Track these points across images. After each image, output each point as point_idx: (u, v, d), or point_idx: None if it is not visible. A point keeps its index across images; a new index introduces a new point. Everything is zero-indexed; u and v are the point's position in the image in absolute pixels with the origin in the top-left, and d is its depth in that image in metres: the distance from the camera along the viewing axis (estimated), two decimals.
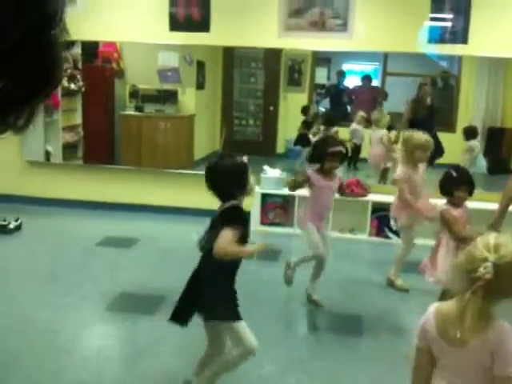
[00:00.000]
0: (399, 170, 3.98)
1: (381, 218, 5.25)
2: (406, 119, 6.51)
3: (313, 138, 6.03)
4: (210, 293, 2.42)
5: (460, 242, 2.94)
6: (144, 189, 5.88)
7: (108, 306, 3.58)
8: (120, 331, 3.31)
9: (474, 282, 1.45)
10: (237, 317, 2.37)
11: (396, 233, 5.32)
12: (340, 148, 3.58)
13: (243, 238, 2.30)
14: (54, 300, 3.62)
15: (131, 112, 6.13)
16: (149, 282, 4.03)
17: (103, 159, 6.13)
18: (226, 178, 2.37)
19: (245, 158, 2.45)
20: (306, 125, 6.83)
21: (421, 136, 3.92)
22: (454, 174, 3.19)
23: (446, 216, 3.13)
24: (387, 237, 5.25)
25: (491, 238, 1.50)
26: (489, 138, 7.07)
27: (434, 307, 1.65)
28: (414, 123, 6.07)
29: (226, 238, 2.21)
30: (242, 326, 2.35)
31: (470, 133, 6.29)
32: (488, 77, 6.88)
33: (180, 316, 2.52)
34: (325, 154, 3.51)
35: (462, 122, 6.71)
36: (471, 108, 7.02)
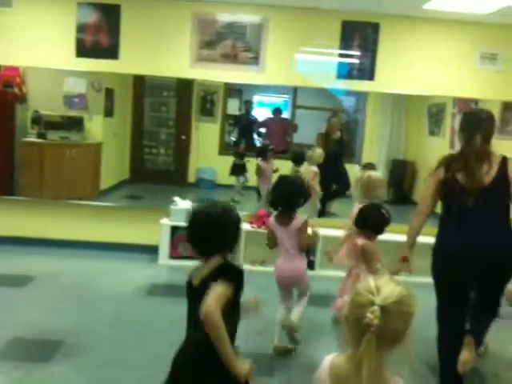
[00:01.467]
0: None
1: None
2: None
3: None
4: None
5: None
6: (44, 221, 5.54)
7: None
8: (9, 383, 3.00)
9: (365, 330, 1.39)
10: None
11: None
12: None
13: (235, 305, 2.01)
14: None
15: (33, 139, 5.78)
16: (44, 324, 3.70)
17: (1, 189, 5.71)
18: (223, 231, 2.05)
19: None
20: (240, 155, 6.94)
21: (376, 173, 4.08)
22: (386, 214, 3.38)
23: (369, 250, 3.25)
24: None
25: (370, 281, 1.46)
26: (392, 170, 7.38)
27: (329, 361, 1.55)
28: (325, 156, 6.21)
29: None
30: None
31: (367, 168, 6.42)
32: (392, 112, 7.20)
33: None
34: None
35: (367, 155, 6.95)
36: (376, 141, 7.30)
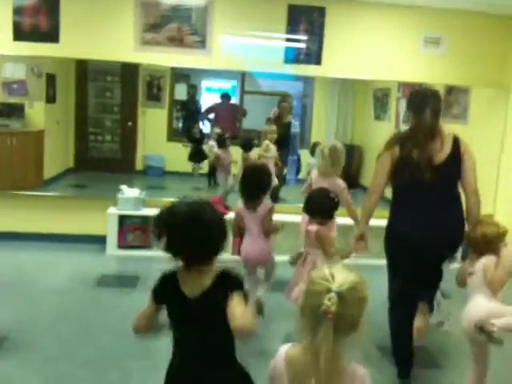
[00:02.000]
0: (340, 181, 4.03)
1: None
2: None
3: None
4: None
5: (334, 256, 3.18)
6: None
7: None
8: None
9: (322, 318, 1.39)
10: None
11: None
12: None
13: None
14: None
15: None
16: None
17: None
18: (218, 234, 1.82)
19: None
20: (197, 141, 6.91)
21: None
22: (336, 199, 3.37)
23: (322, 236, 3.24)
24: None
25: (324, 269, 1.46)
26: None
27: (284, 352, 1.52)
28: (277, 140, 6.22)
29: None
30: None
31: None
32: (338, 97, 7.28)
33: None
34: None
35: (315, 140, 6.99)
36: (323, 126, 7.36)
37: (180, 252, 1.79)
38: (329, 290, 1.39)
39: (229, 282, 1.77)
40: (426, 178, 2.83)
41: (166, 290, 1.84)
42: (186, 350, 1.82)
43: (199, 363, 1.78)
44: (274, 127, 6.24)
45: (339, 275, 1.43)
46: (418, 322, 2.95)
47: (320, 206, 3.34)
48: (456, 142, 2.94)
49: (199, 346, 1.78)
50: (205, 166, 6.84)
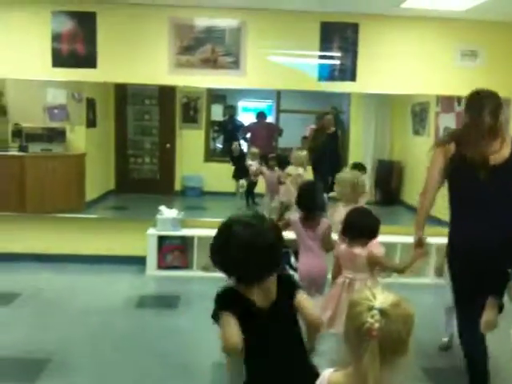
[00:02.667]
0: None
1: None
2: (308, 147, 6.60)
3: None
4: None
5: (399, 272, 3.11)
6: (28, 236, 5.43)
7: None
8: None
9: (366, 338, 1.31)
10: None
11: (296, 269, 5.29)
12: None
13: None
14: None
15: (14, 152, 5.69)
16: (30, 342, 3.60)
17: None
18: (275, 253, 1.85)
19: None
20: (238, 158, 6.95)
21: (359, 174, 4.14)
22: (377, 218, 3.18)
23: (380, 257, 3.05)
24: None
25: (365, 290, 1.40)
26: (379, 170, 7.36)
27: (327, 377, 1.46)
28: (316, 154, 6.16)
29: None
30: None
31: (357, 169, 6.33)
32: (375, 113, 7.19)
33: None
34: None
35: (353, 157, 6.93)
36: (361, 143, 7.28)
37: (240, 273, 1.79)
38: (371, 308, 1.33)
39: (289, 285, 1.85)
40: (481, 177, 2.70)
41: (238, 305, 1.79)
42: (266, 363, 1.79)
43: (286, 373, 1.77)
44: (305, 151, 6.00)
45: (380, 294, 1.38)
46: (486, 315, 2.77)
47: (369, 227, 3.11)
48: None
49: (281, 355, 1.78)
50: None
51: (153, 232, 5.29)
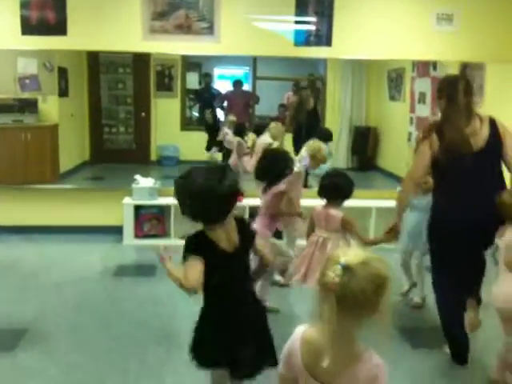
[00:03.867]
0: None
1: None
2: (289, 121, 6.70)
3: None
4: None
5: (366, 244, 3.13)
6: (2, 208, 5.35)
7: None
8: None
9: (328, 293, 1.32)
10: None
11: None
12: None
13: None
14: None
15: None
16: (8, 312, 3.59)
17: None
18: (227, 199, 2.06)
19: None
20: (211, 128, 6.84)
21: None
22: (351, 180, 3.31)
23: (350, 220, 3.19)
24: None
25: (341, 248, 1.43)
26: (355, 136, 7.39)
27: (301, 332, 1.47)
28: (297, 126, 6.15)
29: None
30: None
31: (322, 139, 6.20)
32: (352, 79, 7.19)
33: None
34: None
35: (329, 123, 6.94)
36: (338, 109, 7.28)
37: (198, 217, 1.99)
38: (336, 264, 1.33)
39: (249, 231, 2.13)
40: (467, 160, 2.76)
41: (203, 246, 1.98)
42: (225, 294, 2.03)
43: (239, 302, 2.06)
44: (282, 127, 5.89)
45: (352, 252, 1.37)
46: (469, 317, 2.92)
47: (343, 189, 3.25)
48: (493, 123, 2.88)
49: (237, 289, 2.06)
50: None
51: (129, 201, 5.26)
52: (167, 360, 3.01)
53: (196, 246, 1.97)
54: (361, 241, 3.17)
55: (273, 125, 5.71)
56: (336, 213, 3.21)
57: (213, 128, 6.90)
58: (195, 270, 1.92)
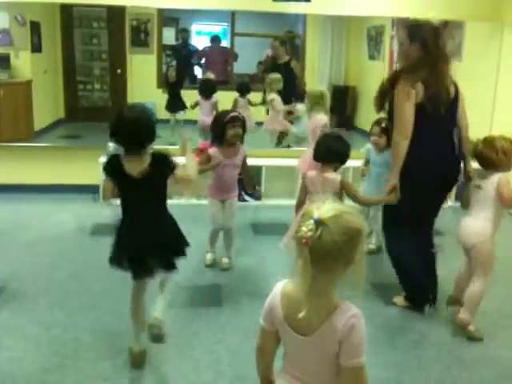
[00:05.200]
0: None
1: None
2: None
3: None
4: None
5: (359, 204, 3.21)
6: None
7: None
8: None
9: (302, 247, 1.34)
10: None
11: (252, 195, 5.35)
12: (236, 113, 3.61)
13: None
14: None
15: None
16: None
17: None
18: (152, 127, 2.48)
19: None
20: (172, 86, 6.47)
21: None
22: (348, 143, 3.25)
23: (348, 184, 3.21)
24: (244, 200, 5.25)
25: (316, 203, 1.41)
26: (334, 96, 7.35)
27: (281, 286, 1.50)
28: None
29: None
30: None
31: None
32: (331, 37, 7.09)
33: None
34: (224, 124, 3.46)
35: (308, 82, 6.87)
36: (317, 68, 7.21)
37: (123, 141, 2.41)
38: (310, 218, 1.34)
39: (164, 162, 2.43)
40: (442, 112, 2.88)
41: (114, 169, 2.42)
42: (133, 212, 2.47)
43: (147, 219, 2.46)
44: (278, 75, 5.93)
45: (325, 206, 1.37)
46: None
47: (340, 153, 3.15)
48: (455, 85, 2.99)
49: (144, 208, 2.45)
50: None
51: (105, 160, 5.18)
52: None
53: (107, 167, 2.44)
54: (360, 202, 3.19)
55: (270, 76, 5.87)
56: (334, 176, 3.11)
57: (174, 87, 6.44)
58: (106, 186, 2.47)
